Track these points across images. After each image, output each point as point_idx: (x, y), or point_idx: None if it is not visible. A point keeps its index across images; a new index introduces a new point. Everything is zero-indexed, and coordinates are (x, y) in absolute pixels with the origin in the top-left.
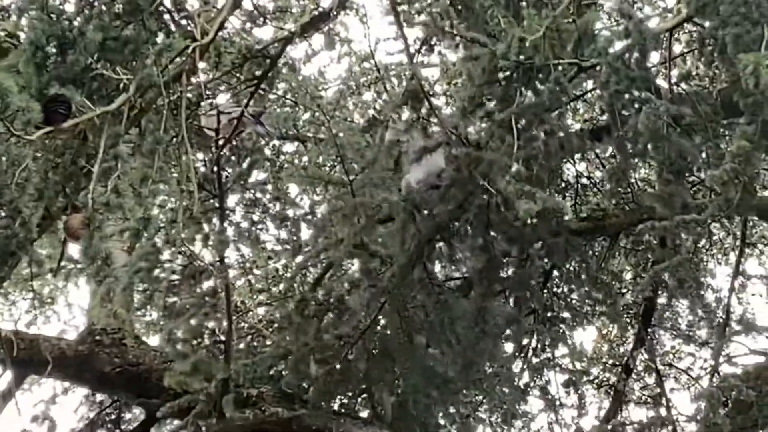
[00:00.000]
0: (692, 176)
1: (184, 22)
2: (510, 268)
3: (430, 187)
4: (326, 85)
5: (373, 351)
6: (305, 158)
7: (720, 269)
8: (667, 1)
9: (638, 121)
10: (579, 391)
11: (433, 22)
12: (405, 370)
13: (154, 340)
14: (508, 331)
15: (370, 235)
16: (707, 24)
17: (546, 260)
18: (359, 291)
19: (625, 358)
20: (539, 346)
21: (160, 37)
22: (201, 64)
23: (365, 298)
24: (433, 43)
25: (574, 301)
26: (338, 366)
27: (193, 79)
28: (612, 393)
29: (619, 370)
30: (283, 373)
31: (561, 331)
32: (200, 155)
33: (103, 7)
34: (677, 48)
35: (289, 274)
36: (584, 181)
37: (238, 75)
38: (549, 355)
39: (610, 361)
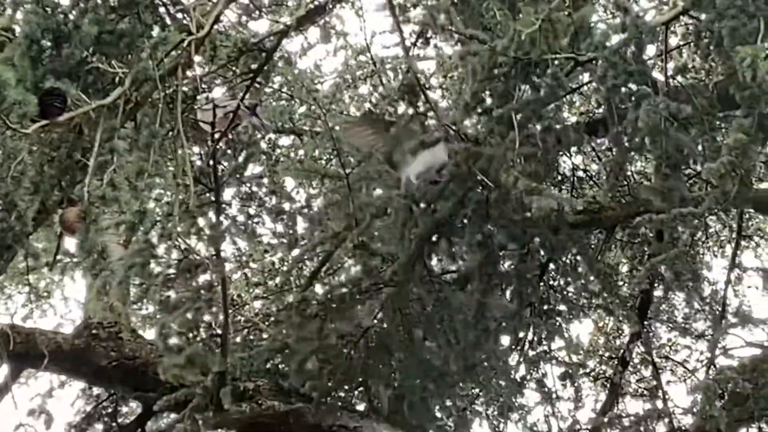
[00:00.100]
0: (688, 169)
1: (179, 15)
2: (507, 262)
3: (429, 182)
4: (322, 79)
5: (370, 344)
6: (301, 152)
7: (716, 261)
8: None
9: (637, 117)
10: (575, 384)
11: (432, 20)
12: (402, 363)
13: (150, 334)
14: (504, 324)
15: (367, 230)
16: (703, 17)
17: (544, 254)
18: (360, 289)
19: (622, 351)
20: (536, 338)
21: (156, 31)
22: (197, 58)
23: (366, 297)
24: (428, 36)
25: (570, 294)
26: (339, 363)
27: (188, 73)
28: (608, 385)
29: (616, 362)
30: (280, 366)
31: (557, 323)
32: (196, 149)
33: (99, 1)
34: (673, 41)
35: (285, 268)
36: (580, 174)
37: (233, 68)
38: (545, 347)
39: (607, 354)
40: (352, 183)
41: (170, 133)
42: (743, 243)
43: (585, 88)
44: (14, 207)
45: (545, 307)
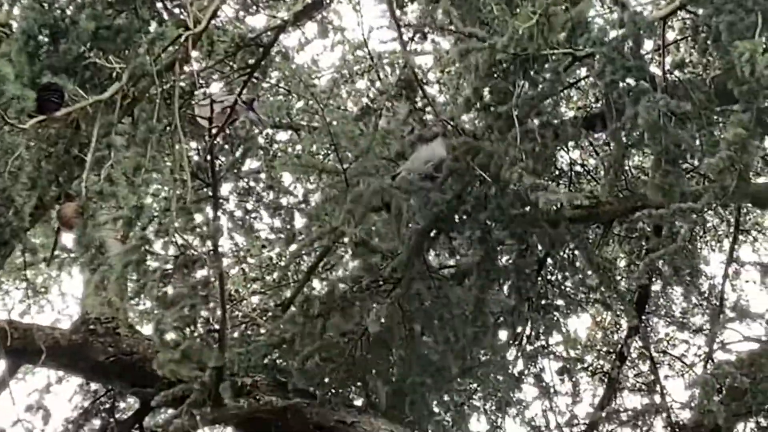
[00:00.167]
0: (686, 163)
1: (176, 10)
2: (505, 257)
3: (425, 177)
4: (319, 74)
5: (368, 340)
6: (299, 147)
7: (714, 256)
8: None
9: (636, 113)
10: (573, 379)
11: (432, 20)
12: (400, 359)
13: (148, 329)
14: (502, 319)
15: (364, 225)
16: (701, 11)
17: (542, 248)
18: (361, 288)
19: (619, 346)
20: (533, 333)
21: (153, 26)
22: (194, 53)
23: (367, 294)
24: (426, 31)
25: (568, 289)
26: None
27: (186, 68)
28: (606, 380)
29: (614, 357)
30: (278, 362)
31: (555, 318)
32: (193, 144)
33: None
34: (670, 35)
35: (283, 263)
36: (578, 168)
37: (231, 63)
38: (543, 342)
39: (605, 349)
40: (350, 178)
41: (167, 128)
42: (741, 237)
43: (582, 82)
44: (12, 202)
45: (543, 302)
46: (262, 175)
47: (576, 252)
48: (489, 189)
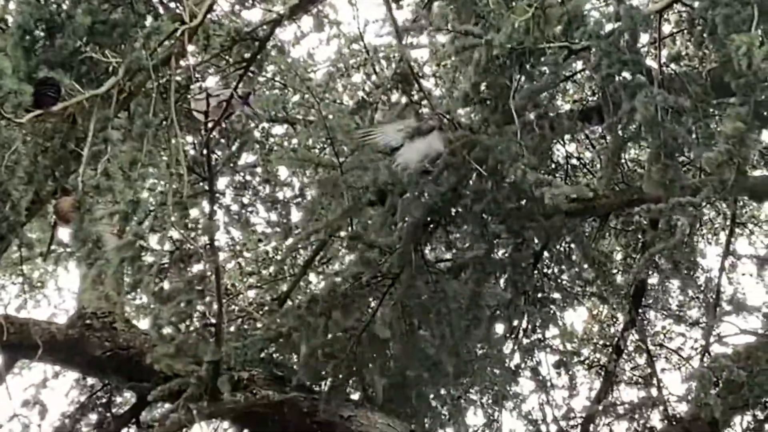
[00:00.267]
0: (682, 156)
1: (172, 5)
2: (501, 250)
3: (420, 171)
4: (315, 67)
5: (363, 333)
6: (295, 140)
7: (710, 249)
8: None
9: (633, 107)
10: (570, 372)
11: (427, 18)
12: (397, 353)
13: (144, 324)
14: (498, 313)
15: (361, 220)
16: (697, 4)
17: (538, 242)
18: (361, 284)
19: (616, 339)
20: (530, 327)
21: (149, 21)
22: (190, 47)
23: (368, 290)
24: (425, 30)
25: (564, 282)
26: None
27: (182, 62)
28: (603, 373)
29: (610, 350)
30: (274, 356)
31: (552, 312)
32: (189, 138)
33: None
34: (666, 28)
35: (279, 257)
36: (574, 161)
37: (227, 58)
38: (540, 336)
39: (601, 342)
40: (346, 171)
41: (164, 122)
42: (737, 230)
43: (578, 76)
44: (8, 197)
45: (539, 296)
46: (259, 169)
47: (572, 245)
48: (485, 183)
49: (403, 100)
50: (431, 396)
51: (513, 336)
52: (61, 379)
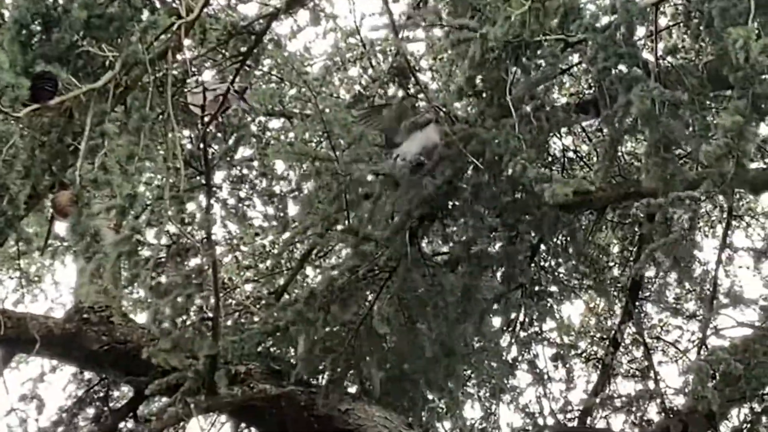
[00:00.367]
0: (679, 149)
1: None
2: (498, 243)
3: (415, 164)
4: (312, 61)
5: (360, 327)
6: (291, 134)
7: (707, 242)
8: None
9: (629, 100)
10: (567, 365)
11: (421, 18)
12: (395, 346)
13: (141, 318)
14: (495, 306)
15: (358, 213)
16: None
17: (534, 234)
18: (358, 277)
19: (613, 332)
20: (527, 320)
21: (146, 15)
22: (186, 41)
23: (365, 283)
24: (420, 24)
25: (561, 275)
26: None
27: (178, 56)
28: (600, 366)
29: (607, 343)
30: (272, 350)
31: (549, 304)
32: (186, 132)
33: None
34: (663, 21)
35: (276, 251)
36: (570, 154)
37: (223, 51)
38: (537, 329)
39: (598, 335)
40: (343, 165)
41: (160, 116)
42: (734, 223)
43: (575, 69)
44: (6, 191)
45: (536, 288)
46: (255, 163)
47: (569, 238)
48: (482, 176)
49: (400, 93)
50: (428, 389)
51: (510, 329)
52: (59, 373)
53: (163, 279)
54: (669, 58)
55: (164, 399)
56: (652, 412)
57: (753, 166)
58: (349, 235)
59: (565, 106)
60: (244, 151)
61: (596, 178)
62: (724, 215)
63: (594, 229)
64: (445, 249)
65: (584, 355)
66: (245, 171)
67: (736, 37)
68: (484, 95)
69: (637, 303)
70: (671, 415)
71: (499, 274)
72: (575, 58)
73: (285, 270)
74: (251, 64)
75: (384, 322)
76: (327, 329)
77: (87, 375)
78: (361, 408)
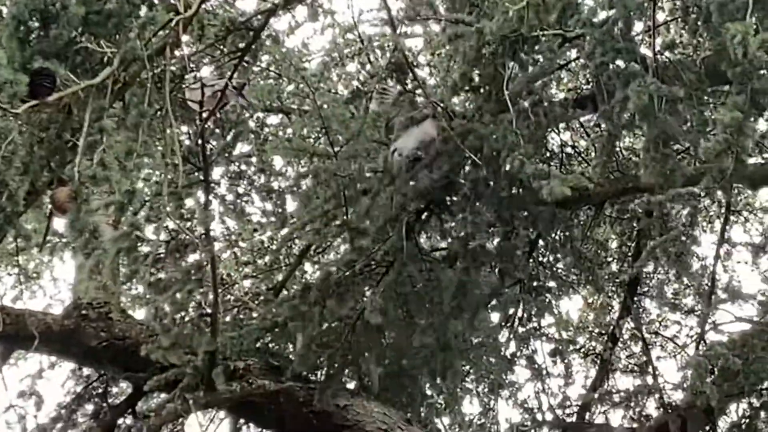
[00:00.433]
0: (676, 144)
1: None
2: (496, 239)
3: (413, 158)
4: (310, 57)
5: (358, 323)
6: (290, 130)
7: (705, 237)
8: None
9: (626, 95)
10: (565, 360)
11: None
12: (394, 342)
13: (140, 314)
14: (494, 302)
15: (357, 208)
16: None
17: (528, 231)
18: (354, 272)
19: (612, 327)
20: (525, 315)
21: (144, 11)
22: (184, 37)
23: (361, 278)
24: (417, 18)
25: (560, 271)
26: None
27: (176, 52)
28: (598, 362)
29: (606, 338)
30: (270, 345)
31: (547, 300)
32: (185, 128)
33: None
34: (660, 16)
35: (274, 246)
36: (569, 150)
37: (221, 47)
38: (535, 324)
39: (597, 330)
40: (341, 161)
41: (159, 112)
42: (732, 218)
43: (573, 64)
44: (5, 187)
45: (535, 284)
46: (254, 159)
47: (566, 234)
48: (479, 171)
49: (398, 88)
50: (427, 385)
51: (508, 325)
52: (57, 369)
53: (161, 275)
54: (667, 54)
55: (163, 395)
56: (651, 408)
57: (751, 161)
58: (345, 230)
59: (563, 102)
60: (242, 147)
61: (594, 173)
62: (723, 210)
63: (592, 224)
64: (443, 245)
65: (583, 350)
66: (243, 167)
67: (734, 32)
68: (481, 90)
69: (635, 298)
70: (670, 411)
71: (497, 270)
72: (573, 53)
73: (283, 266)
74: (249, 60)
75: (376, 313)
76: (324, 324)
77: (86, 371)
78: (359, 404)
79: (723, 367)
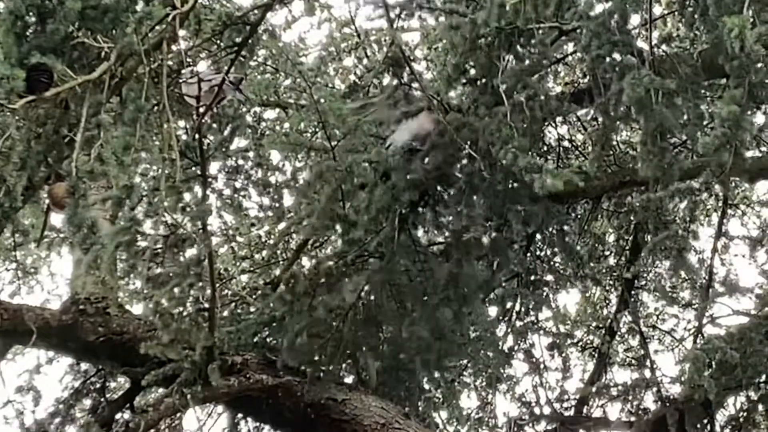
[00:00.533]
0: (673, 138)
1: None
2: (492, 233)
3: (408, 150)
4: (307, 51)
5: (359, 317)
6: (287, 125)
7: (703, 230)
8: None
9: (621, 88)
10: (563, 354)
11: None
12: (390, 335)
13: (138, 309)
14: (481, 295)
15: (348, 201)
16: None
17: (521, 225)
18: (346, 262)
19: (609, 321)
20: (523, 309)
21: (140, 5)
22: (181, 32)
23: (353, 269)
24: (413, 9)
25: (557, 264)
26: (329, 337)
27: (173, 47)
28: (596, 355)
29: (603, 332)
30: (268, 340)
31: (544, 294)
32: (182, 123)
33: None
34: (657, 10)
35: (272, 241)
36: (566, 144)
37: (218, 42)
38: (533, 318)
39: (594, 324)
40: (338, 155)
41: (156, 107)
42: (729, 212)
43: (570, 58)
44: (3, 183)
45: (532, 278)
46: (251, 154)
47: (560, 228)
48: (473, 164)
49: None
50: (425, 379)
51: (506, 319)
52: (55, 364)
53: (159, 270)
54: (663, 47)
55: (161, 390)
56: (649, 401)
57: (749, 154)
58: (334, 221)
59: (560, 96)
60: (239, 142)
61: (591, 166)
62: (720, 204)
63: (590, 218)
64: (440, 239)
65: (580, 344)
66: (241, 161)
67: (731, 26)
68: (477, 83)
69: (633, 292)
70: (667, 404)
71: (490, 263)
72: (570, 47)
73: (281, 260)
74: (246, 55)
75: (352, 293)
76: (315, 316)
77: (83, 366)
78: (357, 398)
79: (721, 360)
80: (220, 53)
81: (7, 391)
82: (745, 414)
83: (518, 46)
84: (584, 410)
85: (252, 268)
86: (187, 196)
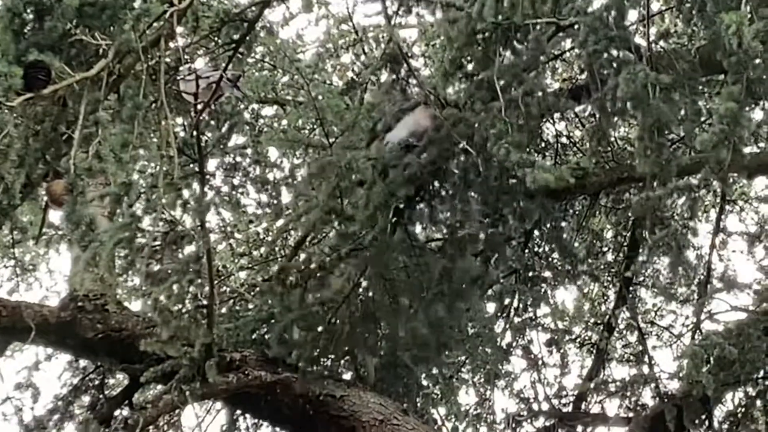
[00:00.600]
0: (671, 134)
1: None
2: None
3: (405, 146)
4: (304, 48)
5: (356, 313)
6: (284, 121)
7: (701, 226)
8: None
9: (618, 83)
10: (561, 350)
11: None
12: (388, 331)
13: (136, 306)
14: (490, 292)
15: (346, 197)
16: None
17: (519, 221)
18: (339, 256)
19: (607, 317)
20: (521, 305)
21: (138, 2)
22: (179, 29)
23: (346, 263)
24: (410, 4)
25: (555, 261)
26: (322, 330)
27: (171, 44)
28: (594, 351)
29: (601, 328)
30: (266, 336)
31: (542, 290)
32: (179, 120)
33: None
34: (655, 5)
35: (270, 238)
36: (564, 140)
37: (216, 39)
38: (531, 314)
39: (592, 320)
40: (336, 152)
41: (154, 104)
42: (727, 207)
43: (567, 54)
44: (1, 180)
45: (530, 274)
46: (249, 151)
47: (555, 224)
48: (469, 160)
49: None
50: (423, 375)
51: (504, 315)
52: (54, 361)
53: (158, 267)
54: (661, 43)
55: (159, 386)
56: (647, 397)
57: (747, 150)
58: (329, 216)
59: (557, 92)
60: (237, 139)
61: (587, 162)
62: (718, 200)
63: (588, 214)
64: (438, 235)
65: (578, 340)
66: (239, 158)
67: (728, 22)
68: (473, 78)
69: (631, 288)
70: (666, 400)
71: (485, 259)
72: (568, 43)
73: (279, 257)
74: (244, 52)
75: (344, 282)
76: (306, 309)
77: (82, 363)
78: (356, 394)
79: (719, 356)
80: (218, 50)
81: (6, 388)
82: (743, 410)
83: (515, 42)
84: (582, 406)
85: (250, 265)
86: (185, 193)
